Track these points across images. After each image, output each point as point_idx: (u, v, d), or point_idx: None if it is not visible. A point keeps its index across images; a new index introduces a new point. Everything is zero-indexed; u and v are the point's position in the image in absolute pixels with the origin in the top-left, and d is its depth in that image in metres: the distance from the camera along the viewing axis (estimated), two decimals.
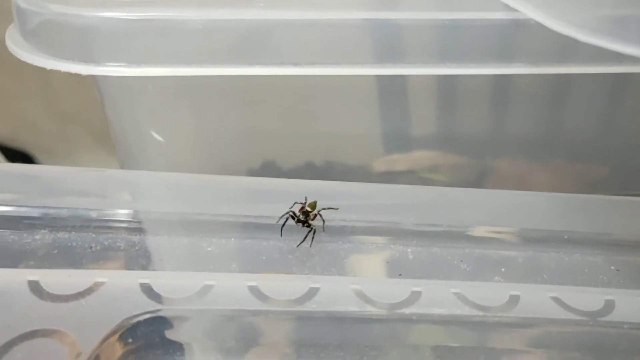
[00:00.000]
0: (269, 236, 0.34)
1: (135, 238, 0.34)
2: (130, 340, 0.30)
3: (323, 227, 0.34)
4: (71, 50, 0.33)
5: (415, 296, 0.32)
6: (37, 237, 0.33)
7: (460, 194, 0.38)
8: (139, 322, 0.30)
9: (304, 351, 0.32)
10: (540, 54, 0.34)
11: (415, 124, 0.44)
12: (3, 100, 0.67)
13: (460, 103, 0.42)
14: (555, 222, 0.36)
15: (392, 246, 0.35)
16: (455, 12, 0.33)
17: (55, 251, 0.32)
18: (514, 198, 0.38)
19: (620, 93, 0.42)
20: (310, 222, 0.34)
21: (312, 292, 0.31)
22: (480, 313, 0.31)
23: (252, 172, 0.45)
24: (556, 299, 0.32)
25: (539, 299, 0.32)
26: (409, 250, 0.35)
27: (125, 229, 0.34)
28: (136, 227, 0.34)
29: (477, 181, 0.47)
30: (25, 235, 0.33)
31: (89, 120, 0.67)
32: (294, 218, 0.34)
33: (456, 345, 0.33)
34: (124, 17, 0.32)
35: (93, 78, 0.38)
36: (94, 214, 0.34)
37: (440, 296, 0.32)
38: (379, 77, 0.41)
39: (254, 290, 0.31)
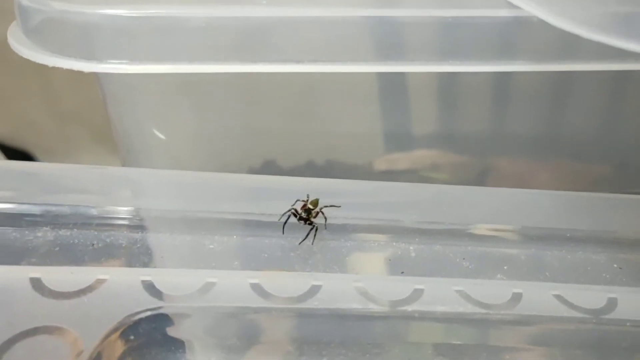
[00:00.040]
0: (271, 234, 0.34)
1: (137, 235, 0.34)
2: (132, 337, 0.30)
3: (325, 224, 0.34)
4: (73, 48, 0.33)
5: (417, 294, 0.32)
6: (39, 234, 0.33)
7: (462, 192, 0.38)
8: (140, 320, 0.30)
9: (305, 349, 0.32)
10: (543, 52, 0.34)
11: (416, 122, 0.43)
12: (3, 100, 0.67)
13: (461, 102, 0.42)
14: (558, 220, 0.36)
15: (394, 244, 0.35)
16: (457, 9, 0.33)
17: (57, 248, 0.32)
18: (516, 196, 0.38)
19: (622, 91, 0.42)
20: (312, 219, 0.34)
21: (314, 290, 0.31)
22: (483, 311, 0.31)
23: (253, 171, 0.45)
24: (559, 297, 0.32)
25: (542, 297, 0.32)
26: (411, 248, 0.35)
27: (127, 226, 0.34)
28: (138, 225, 0.34)
29: (478, 180, 0.47)
30: (27, 232, 0.33)
31: (90, 120, 0.67)
32: (296, 216, 0.34)
33: (458, 342, 0.33)
34: (127, 15, 0.32)
35: (95, 76, 0.38)
36: (95, 212, 0.34)
37: (443, 294, 0.32)
38: (380, 76, 0.41)
39: (256, 287, 0.31)
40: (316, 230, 0.34)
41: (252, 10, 0.33)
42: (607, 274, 0.34)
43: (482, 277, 0.33)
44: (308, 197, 0.35)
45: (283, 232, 0.34)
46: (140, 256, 0.33)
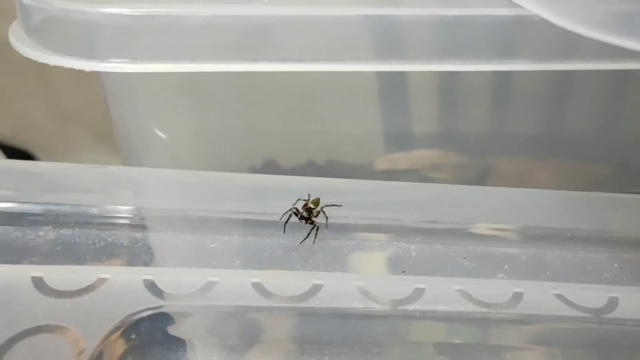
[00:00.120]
0: (272, 233, 0.34)
1: (138, 235, 0.34)
2: (133, 336, 0.30)
3: (326, 224, 0.34)
4: (74, 47, 0.33)
5: (418, 293, 0.32)
6: (41, 233, 0.33)
7: (463, 192, 0.38)
8: (142, 318, 0.30)
9: (307, 348, 0.32)
10: (544, 51, 0.34)
11: (416, 122, 0.44)
12: (4, 100, 0.67)
13: (462, 101, 0.42)
14: (559, 220, 0.36)
15: (395, 243, 0.35)
16: (458, 8, 0.33)
17: (59, 247, 0.32)
18: (516, 195, 0.38)
19: (623, 91, 0.42)
20: (313, 219, 0.34)
21: (315, 289, 0.31)
22: (484, 310, 0.31)
23: (254, 171, 0.45)
24: (559, 296, 0.32)
25: (542, 296, 0.32)
26: (412, 247, 0.35)
27: (128, 225, 0.34)
28: (139, 224, 0.34)
29: (479, 180, 0.47)
30: (28, 231, 0.33)
31: (90, 120, 0.67)
32: (297, 215, 0.34)
33: (459, 342, 0.33)
34: (128, 13, 0.32)
35: (96, 75, 0.38)
36: (97, 211, 0.34)
37: (444, 293, 0.32)
38: (380, 76, 0.41)
39: (257, 286, 0.31)
40: (317, 229, 0.34)
41: (253, 9, 0.33)
42: (607, 273, 0.34)
43: (483, 277, 0.33)
44: (309, 196, 0.35)
45: (284, 232, 0.34)
46: (142, 255, 0.33)
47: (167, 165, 0.41)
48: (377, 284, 0.32)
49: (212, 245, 0.33)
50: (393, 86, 0.41)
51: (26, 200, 0.34)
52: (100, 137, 0.68)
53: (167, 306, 0.30)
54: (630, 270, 0.34)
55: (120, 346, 0.30)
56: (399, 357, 0.32)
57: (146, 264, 0.32)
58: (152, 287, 0.31)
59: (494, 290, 0.32)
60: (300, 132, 0.44)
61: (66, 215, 0.34)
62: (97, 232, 0.33)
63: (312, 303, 0.31)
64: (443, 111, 0.43)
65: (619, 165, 0.46)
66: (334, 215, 0.34)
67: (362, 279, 0.32)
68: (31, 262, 0.31)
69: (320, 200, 0.34)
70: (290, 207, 0.34)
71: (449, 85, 0.41)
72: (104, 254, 0.33)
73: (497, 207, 0.37)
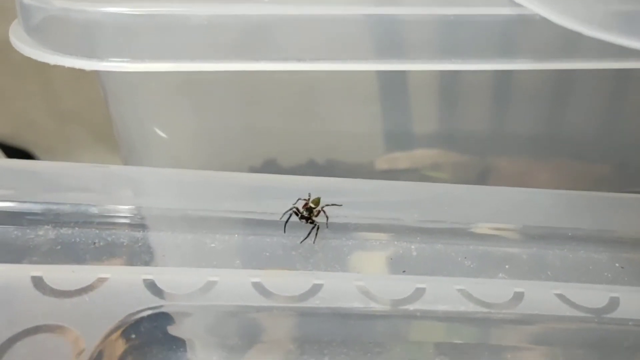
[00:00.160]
0: (273, 232, 0.34)
1: (139, 234, 0.34)
2: (133, 336, 0.30)
3: (327, 223, 0.34)
4: (75, 46, 0.33)
5: (419, 293, 0.32)
6: (41, 232, 0.33)
7: (463, 191, 0.38)
8: (142, 318, 0.30)
9: (307, 347, 0.32)
10: (545, 50, 0.34)
11: (416, 121, 0.43)
12: (4, 99, 0.67)
13: (462, 101, 0.42)
14: (559, 219, 0.36)
15: (395, 243, 0.35)
16: (459, 7, 0.33)
17: (59, 247, 0.32)
18: (517, 195, 0.38)
19: (623, 90, 0.42)
20: (313, 218, 0.34)
21: (315, 289, 0.31)
22: (484, 310, 0.31)
23: (254, 170, 0.45)
24: (560, 296, 0.32)
25: (543, 296, 0.32)
26: (412, 247, 0.35)
27: (128, 225, 0.34)
28: (139, 223, 0.34)
29: (479, 179, 0.46)
30: (28, 231, 0.33)
31: (90, 119, 0.67)
32: (297, 214, 0.34)
33: (460, 342, 0.33)
34: (128, 13, 0.32)
35: (96, 74, 0.38)
36: (97, 210, 0.34)
37: (444, 293, 0.32)
38: (380, 75, 0.41)
39: (258, 286, 0.31)
40: (317, 229, 0.34)
41: (254, 9, 0.33)
42: (609, 273, 0.34)
43: (484, 276, 0.33)
44: (309, 195, 0.35)
45: (284, 231, 0.34)
46: (142, 255, 0.33)
47: (167, 164, 0.41)
48: (378, 284, 0.32)
49: (212, 245, 0.33)
50: (393, 85, 0.41)
51: (26, 199, 0.34)
52: (100, 136, 0.68)
53: (167, 306, 0.30)
54: (632, 270, 0.34)
55: (120, 346, 0.30)
56: (399, 357, 0.32)
57: (146, 264, 0.32)
58: (152, 287, 0.30)
59: (495, 290, 0.32)
60: (301, 131, 0.44)
61: (66, 215, 0.33)
62: (97, 231, 0.33)
63: (313, 303, 0.31)
64: (443, 111, 0.43)
65: (619, 165, 0.46)
66: (335, 215, 0.34)
67: (362, 279, 0.32)
68: (31, 262, 0.31)
69: (321, 200, 0.34)
70: (291, 206, 0.34)
71: (449, 85, 0.41)
72: (104, 253, 0.32)
73: (498, 207, 0.37)
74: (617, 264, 0.34)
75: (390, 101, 0.42)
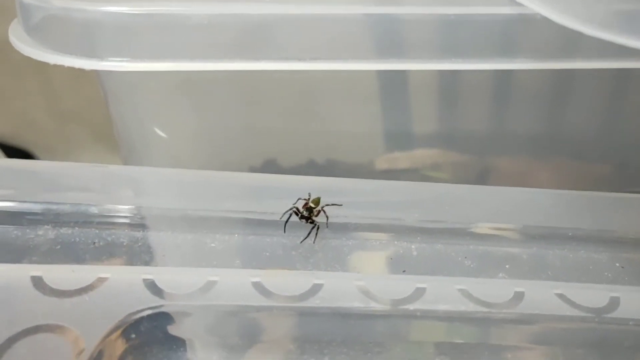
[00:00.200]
0: (273, 232, 0.34)
1: (138, 234, 0.34)
2: (133, 335, 0.30)
3: (327, 223, 0.34)
4: (75, 45, 0.33)
5: (419, 292, 0.32)
6: (40, 232, 0.33)
7: (464, 191, 0.38)
8: (142, 318, 0.30)
9: (307, 347, 0.32)
10: (545, 49, 0.34)
11: (417, 121, 0.43)
12: (4, 99, 0.67)
13: (462, 101, 0.42)
14: (560, 219, 0.36)
15: (395, 242, 0.35)
16: (460, 6, 0.33)
17: (58, 247, 0.32)
18: (517, 195, 0.37)
19: (623, 90, 0.42)
20: (313, 218, 0.34)
21: (315, 289, 0.31)
22: (485, 309, 0.31)
23: (254, 170, 0.44)
24: (561, 296, 0.32)
25: (544, 296, 0.32)
26: (412, 246, 0.34)
27: (128, 224, 0.34)
28: (139, 223, 0.34)
29: (479, 179, 0.46)
30: (28, 230, 0.33)
31: (89, 119, 0.67)
32: (297, 214, 0.34)
33: (460, 341, 0.33)
34: (128, 12, 0.32)
35: (96, 74, 0.38)
36: (96, 210, 0.34)
37: (445, 292, 0.32)
38: (381, 75, 0.41)
39: (258, 286, 0.31)
40: (318, 228, 0.34)
41: (254, 8, 0.33)
42: (609, 273, 0.34)
43: (484, 276, 0.33)
44: (309, 195, 0.35)
45: (284, 231, 0.34)
46: (142, 255, 0.33)
47: (167, 164, 0.41)
48: (378, 284, 0.32)
49: (212, 245, 0.33)
50: (393, 85, 0.41)
51: (26, 199, 0.33)
52: (100, 136, 0.68)
53: (167, 306, 0.30)
54: (632, 270, 0.34)
55: (120, 346, 0.30)
56: (399, 356, 0.32)
57: (146, 264, 0.32)
58: (152, 287, 0.30)
59: (495, 289, 0.32)
60: (301, 131, 0.44)
61: (66, 215, 0.33)
62: (97, 231, 0.33)
63: (313, 302, 0.31)
64: (443, 110, 0.43)
65: (620, 165, 0.46)
66: (335, 215, 0.34)
67: (362, 279, 0.32)
68: (31, 262, 0.31)
69: (321, 200, 0.34)
70: (291, 206, 0.34)
71: (449, 85, 0.41)
72: (104, 253, 0.32)
73: (498, 207, 0.37)
74: (617, 264, 0.34)
75: (391, 101, 0.42)
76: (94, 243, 0.33)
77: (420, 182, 0.38)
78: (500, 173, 0.46)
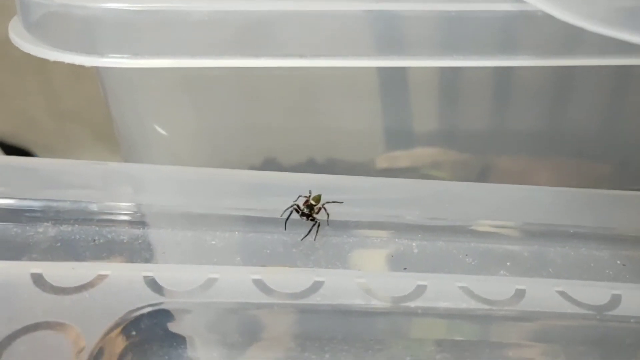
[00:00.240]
0: (273, 230, 0.34)
1: (139, 231, 0.34)
2: (133, 333, 0.30)
3: (327, 220, 0.34)
4: (75, 42, 0.33)
5: (420, 290, 0.31)
6: (40, 230, 0.33)
7: (464, 188, 0.38)
8: (142, 315, 0.30)
9: (308, 345, 0.32)
10: (547, 46, 0.34)
11: (417, 120, 0.43)
12: (3, 98, 0.67)
13: (462, 99, 0.42)
14: (561, 217, 0.36)
15: (396, 240, 0.35)
16: (461, 3, 0.33)
17: (59, 244, 0.32)
18: (518, 192, 0.37)
19: (624, 88, 0.42)
20: (314, 215, 0.34)
21: (316, 286, 0.31)
22: (486, 307, 0.31)
23: (254, 169, 0.44)
24: (562, 293, 0.32)
25: (545, 293, 0.32)
26: (413, 244, 0.34)
27: (129, 222, 0.34)
28: (139, 221, 0.34)
29: (479, 178, 0.46)
30: (28, 228, 0.33)
31: (89, 118, 0.67)
32: (298, 212, 0.34)
33: (461, 339, 0.33)
34: (128, 8, 0.32)
35: (96, 72, 0.38)
36: (96, 207, 0.34)
37: (446, 290, 0.32)
38: (381, 73, 0.41)
39: (258, 283, 0.31)
40: (318, 226, 0.34)
41: (254, 4, 0.33)
42: (610, 270, 0.34)
43: (485, 274, 0.33)
44: (310, 193, 0.35)
45: (285, 228, 0.34)
46: (142, 252, 0.33)
47: (168, 162, 0.41)
48: (379, 281, 0.32)
49: (213, 242, 0.33)
50: (393, 83, 0.41)
51: (26, 196, 0.33)
52: (100, 135, 0.68)
53: (168, 303, 0.30)
54: (633, 267, 0.34)
55: (120, 343, 0.30)
56: (400, 354, 0.32)
57: (146, 261, 0.32)
58: (153, 284, 0.30)
59: (496, 287, 0.32)
60: (301, 129, 0.44)
61: (66, 212, 0.33)
62: (97, 228, 0.33)
63: (313, 300, 0.31)
64: (443, 108, 0.43)
65: (621, 163, 0.46)
66: (335, 212, 0.34)
67: (363, 276, 0.32)
68: (31, 259, 0.31)
69: (322, 197, 0.34)
70: (292, 203, 0.34)
71: (449, 82, 0.41)
72: (104, 250, 0.32)
73: (499, 204, 0.37)
74: (618, 262, 0.34)
75: (391, 99, 0.42)
76: (94, 240, 0.33)
77: (420, 179, 0.38)
78: (501, 172, 0.46)
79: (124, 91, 0.39)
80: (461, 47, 0.34)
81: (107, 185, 0.35)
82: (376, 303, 0.31)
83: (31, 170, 0.35)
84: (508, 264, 0.34)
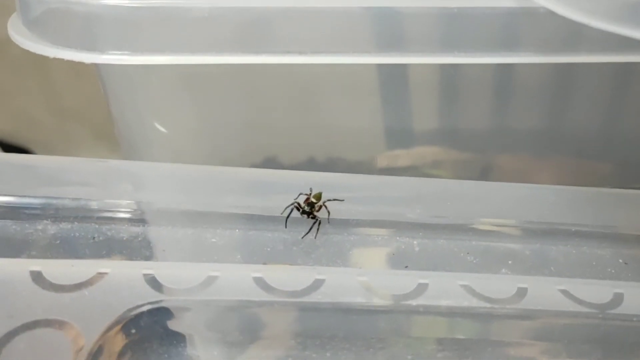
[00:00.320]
0: (274, 227, 0.34)
1: (138, 229, 0.33)
2: (133, 331, 0.30)
3: (328, 218, 0.34)
4: (75, 39, 0.33)
5: (421, 288, 0.31)
6: (40, 227, 0.33)
7: (466, 187, 0.38)
8: (142, 313, 0.30)
9: (309, 343, 0.32)
10: (549, 43, 0.34)
11: (417, 118, 0.43)
12: (3, 97, 0.67)
13: (463, 97, 0.42)
14: (563, 215, 0.36)
15: (397, 238, 0.34)
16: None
17: (58, 241, 0.32)
18: (520, 191, 0.37)
19: (625, 87, 0.42)
20: (315, 213, 0.34)
21: (317, 284, 0.31)
22: (487, 305, 0.31)
23: (254, 167, 0.44)
24: (564, 292, 0.32)
25: (547, 292, 0.32)
26: (414, 242, 0.34)
27: (128, 219, 0.34)
28: (139, 218, 0.34)
29: (480, 177, 0.46)
30: (27, 225, 0.33)
31: (89, 117, 0.67)
32: (298, 209, 0.34)
33: (463, 337, 0.32)
34: (128, 5, 0.32)
35: (96, 69, 0.38)
36: (96, 205, 0.34)
37: (447, 288, 0.31)
38: (381, 71, 0.41)
39: (259, 281, 0.31)
40: (319, 224, 0.33)
41: (255, 1, 0.32)
42: (612, 269, 0.34)
43: (487, 272, 0.33)
44: (311, 190, 0.34)
45: (286, 226, 0.34)
46: (142, 250, 0.33)
47: (168, 160, 0.41)
48: (380, 279, 0.32)
49: (213, 240, 0.33)
50: (394, 81, 0.41)
51: (25, 194, 0.33)
52: (100, 134, 0.68)
53: (167, 301, 0.30)
54: (635, 266, 0.34)
55: (119, 341, 0.29)
56: (401, 352, 0.32)
57: (146, 259, 0.32)
58: (152, 282, 0.30)
59: (498, 285, 0.32)
60: (301, 127, 0.44)
61: (65, 209, 0.33)
62: (96, 226, 0.33)
63: (314, 298, 0.31)
64: (444, 107, 0.43)
65: (622, 162, 0.46)
66: (336, 210, 0.34)
67: (364, 274, 0.32)
68: (30, 256, 0.31)
69: (322, 195, 0.34)
70: (292, 201, 0.34)
71: (450, 81, 0.41)
72: (104, 248, 0.32)
73: (501, 203, 0.37)
74: (620, 260, 0.34)
75: (391, 97, 0.42)
76: (94, 238, 0.33)
77: (422, 177, 0.38)
78: (502, 170, 0.46)
79: (124, 89, 0.39)
80: (462, 43, 0.34)
81: (106, 183, 0.35)
82: (377, 301, 0.31)
83: (30, 168, 0.35)
84: (510, 262, 0.34)
